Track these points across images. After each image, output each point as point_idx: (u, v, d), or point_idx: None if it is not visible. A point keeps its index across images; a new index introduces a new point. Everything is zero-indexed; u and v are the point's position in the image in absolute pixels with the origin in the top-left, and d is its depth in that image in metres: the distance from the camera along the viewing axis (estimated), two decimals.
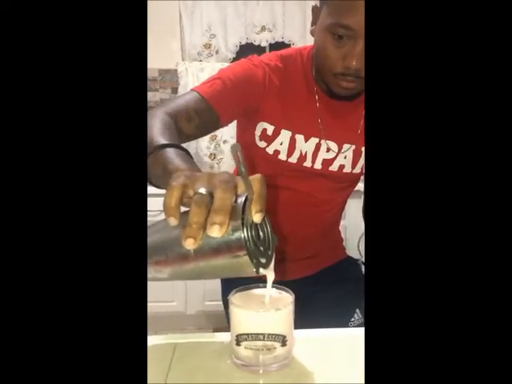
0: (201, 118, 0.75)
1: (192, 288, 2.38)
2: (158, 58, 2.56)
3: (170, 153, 0.56)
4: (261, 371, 0.54)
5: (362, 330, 0.66)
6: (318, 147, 0.88)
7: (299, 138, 0.86)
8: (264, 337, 0.53)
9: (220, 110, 0.78)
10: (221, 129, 2.38)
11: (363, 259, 2.12)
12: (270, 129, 0.86)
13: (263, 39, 2.79)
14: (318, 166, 0.88)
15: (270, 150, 0.87)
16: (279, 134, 0.86)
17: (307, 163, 0.88)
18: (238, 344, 0.55)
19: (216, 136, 2.75)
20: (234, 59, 2.78)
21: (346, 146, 0.89)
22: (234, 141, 2.74)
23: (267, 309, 0.53)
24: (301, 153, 0.87)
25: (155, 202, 2.39)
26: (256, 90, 0.82)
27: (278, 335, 0.53)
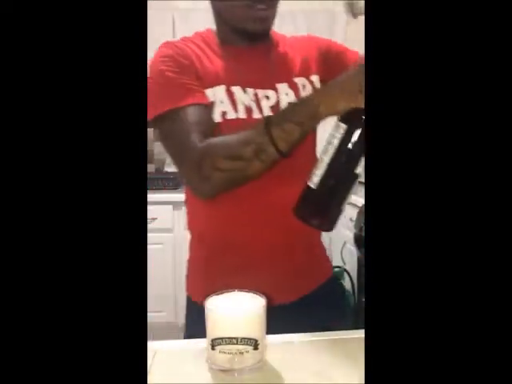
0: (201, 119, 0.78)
1: (181, 298, 2.36)
2: None
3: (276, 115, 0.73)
4: (236, 374, 0.55)
5: (329, 335, 0.67)
6: (257, 97, 0.83)
7: (235, 89, 0.82)
8: (237, 341, 0.54)
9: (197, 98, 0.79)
10: None
11: (345, 266, 2.12)
12: (208, 92, 0.81)
13: None
14: (267, 113, 0.82)
15: (217, 116, 0.80)
16: (214, 93, 0.81)
17: (256, 114, 0.82)
18: (213, 348, 0.56)
19: None
20: None
21: (280, 86, 0.85)
22: None
23: (239, 313, 0.54)
24: (245, 106, 0.81)
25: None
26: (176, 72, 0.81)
27: (251, 339, 0.54)
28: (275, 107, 0.83)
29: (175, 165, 0.81)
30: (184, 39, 0.87)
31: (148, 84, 0.79)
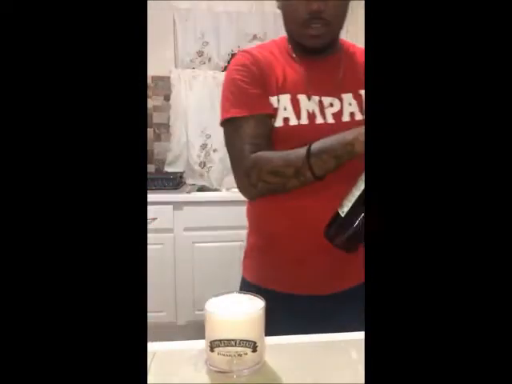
0: (262, 128, 0.88)
1: (181, 298, 2.37)
2: (151, 65, 2.57)
3: (318, 145, 0.79)
4: (234, 376, 0.55)
5: (331, 336, 0.67)
6: (321, 104, 0.90)
7: (301, 97, 0.89)
8: (235, 343, 0.54)
9: (260, 108, 0.88)
10: (211, 138, 2.42)
11: None
12: (274, 100, 0.89)
13: None
14: (330, 120, 0.89)
15: (280, 122, 0.88)
16: (279, 100, 0.89)
17: (319, 120, 0.89)
18: (211, 350, 0.56)
19: (206, 145, 2.76)
20: (226, 67, 2.80)
21: (345, 96, 0.91)
22: (223, 149, 2.75)
23: (238, 315, 0.54)
24: (308, 112, 0.88)
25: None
26: (253, 79, 0.90)
27: (249, 341, 0.54)
28: (337, 114, 0.90)
29: (231, 165, 0.91)
30: (259, 46, 0.96)
31: (223, 88, 0.92)
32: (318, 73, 0.92)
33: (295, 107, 0.88)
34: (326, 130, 0.86)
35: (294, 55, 0.93)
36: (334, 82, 0.91)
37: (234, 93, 0.90)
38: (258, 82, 0.89)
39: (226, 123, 0.90)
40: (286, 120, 0.88)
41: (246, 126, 0.87)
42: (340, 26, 0.89)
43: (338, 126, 0.87)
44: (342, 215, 0.73)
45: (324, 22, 0.84)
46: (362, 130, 0.76)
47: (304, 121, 0.88)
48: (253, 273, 0.99)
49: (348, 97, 0.91)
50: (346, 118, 0.90)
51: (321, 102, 0.90)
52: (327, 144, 0.79)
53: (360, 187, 0.71)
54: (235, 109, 0.88)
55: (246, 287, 0.99)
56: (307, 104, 0.89)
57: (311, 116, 0.88)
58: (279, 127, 0.88)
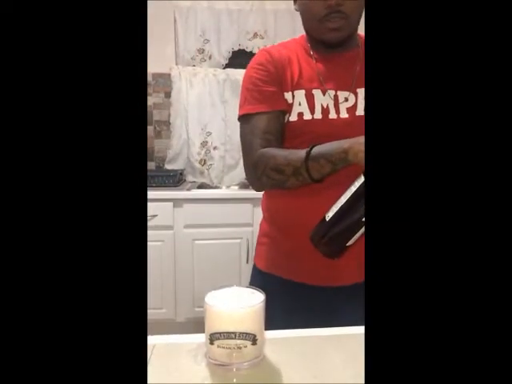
0: (274, 124, 0.91)
1: (181, 295, 2.38)
2: (151, 62, 2.56)
3: (318, 149, 0.80)
4: (234, 370, 0.56)
5: (330, 331, 0.68)
6: (336, 98, 0.92)
7: (316, 92, 0.91)
8: (235, 335, 0.54)
9: (274, 105, 0.91)
10: (211, 135, 2.44)
11: None
12: (289, 95, 0.92)
13: (255, 46, 2.81)
14: (344, 114, 0.91)
15: (294, 116, 0.91)
16: (294, 96, 0.91)
17: (332, 115, 0.91)
18: (211, 343, 0.56)
19: (207, 142, 2.76)
20: (227, 65, 2.81)
21: (360, 90, 0.93)
22: (223, 147, 2.78)
23: (237, 308, 0.55)
24: (322, 106, 0.91)
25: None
26: (272, 76, 0.93)
27: (249, 334, 0.54)
28: (352, 109, 0.91)
29: (243, 157, 0.95)
30: (280, 44, 0.99)
31: (242, 85, 0.96)
32: (334, 67, 0.93)
33: (309, 102, 0.90)
34: (340, 124, 0.88)
35: (311, 52, 0.95)
36: (350, 77, 0.93)
37: (249, 90, 0.93)
38: (273, 80, 0.91)
39: (242, 119, 0.94)
40: (300, 115, 0.90)
41: (259, 121, 0.90)
42: (358, 20, 0.91)
43: (352, 120, 0.89)
44: (327, 220, 0.76)
45: (342, 15, 0.87)
46: (358, 139, 0.76)
47: (318, 115, 0.90)
48: (264, 260, 1.01)
49: (363, 91, 0.92)
50: (360, 112, 0.91)
51: (336, 96, 0.91)
52: (326, 149, 0.80)
53: (347, 194, 0.74)
54: (249, 105, 0.92)
55: (257, 274, 1.02)
56: (322, 98, 0.91)
57: (325, 111, 0.90)
58: (293, 122, 0.91)
